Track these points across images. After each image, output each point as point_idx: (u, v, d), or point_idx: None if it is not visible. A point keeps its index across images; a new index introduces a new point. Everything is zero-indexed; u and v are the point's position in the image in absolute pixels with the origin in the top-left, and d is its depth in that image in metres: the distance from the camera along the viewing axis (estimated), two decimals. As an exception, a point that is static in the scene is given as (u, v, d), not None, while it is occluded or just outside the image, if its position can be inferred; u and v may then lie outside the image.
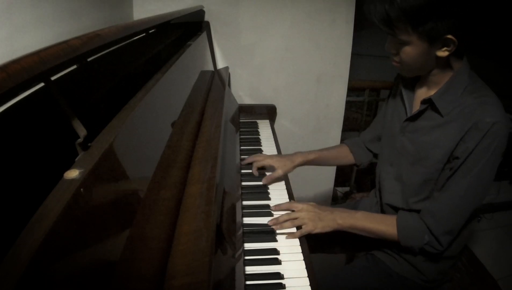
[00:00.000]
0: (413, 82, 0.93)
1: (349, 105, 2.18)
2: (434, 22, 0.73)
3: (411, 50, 0.79)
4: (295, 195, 1.06)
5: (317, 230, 0.90)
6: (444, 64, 0.82)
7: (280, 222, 0.90)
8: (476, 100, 0.79)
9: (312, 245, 1.14)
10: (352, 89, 1.89)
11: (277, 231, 0.89)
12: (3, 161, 0.43)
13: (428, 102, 0.85)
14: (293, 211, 0.93)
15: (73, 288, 0.34)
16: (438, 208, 0.84)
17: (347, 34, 1.66)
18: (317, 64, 1.71)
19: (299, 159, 1.11)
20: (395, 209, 0.98)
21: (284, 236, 0.88)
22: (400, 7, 0.73)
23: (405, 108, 0.93)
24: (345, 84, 1.77)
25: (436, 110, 0.84)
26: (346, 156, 1.19)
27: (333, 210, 0.94)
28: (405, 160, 0.93)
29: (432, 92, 0.86)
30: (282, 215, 0.92)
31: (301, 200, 0.99)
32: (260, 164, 1.11)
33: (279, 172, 1.08)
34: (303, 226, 0.89)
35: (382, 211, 1.04)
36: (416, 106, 0.91)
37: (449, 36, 0.74)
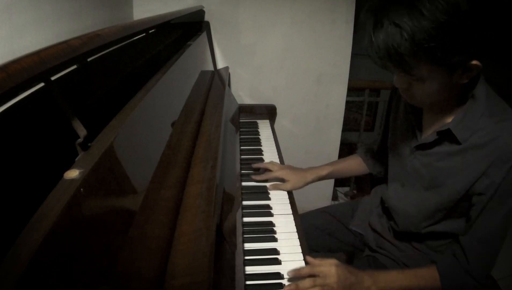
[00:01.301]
0: None
1: (349, 105, 2.18)
2: (459, 52, 0.60)
3: (429, 86, 0.67)
4: (295, 195, 1.06)
5: None
6: (462, 88, 0.72)
7: (302, 289, 0.73)
8: (496, 125, 0.69)
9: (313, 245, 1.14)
10: (352, 89, 1.89)
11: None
12: (3, 161, 0.43)
13: (445, 133, 0.75)
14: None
15: (73, 288, 0.34)
16: (475, 253, 0.77)
17: (347, 34, 1.66)
18: (317, 64, 1.71)
19: (311, 177, 1.08)
20: (405, 233, 0.93)
21: (284, 235, 0.88)
22: (413, 40, 0.58)
23: (414, 130, 0.85)
24: (345, 84, 1.77)
25: (453, 138, 0.74)
26: (360, 167, 1.14)
27: (363, 274, 0.79)
28: (419, 184, 0.85)
29: (446, 118, 0.77)
30: (305, 279, 0.74)
31: (321, 257, 0.80)
32: (272, 175, 1.08)
33: (287, 186, 1.06)
34: None
35: (390, 228, 0.99)
36: (427, 131, 0.83)
37: (474, 62, 0.63)
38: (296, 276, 0.76)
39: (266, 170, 1.12)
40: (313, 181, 1.09)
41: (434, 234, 0.88)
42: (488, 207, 0.73)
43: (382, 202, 1.04)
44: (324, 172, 1.09)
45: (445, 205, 0.81)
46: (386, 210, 1.01)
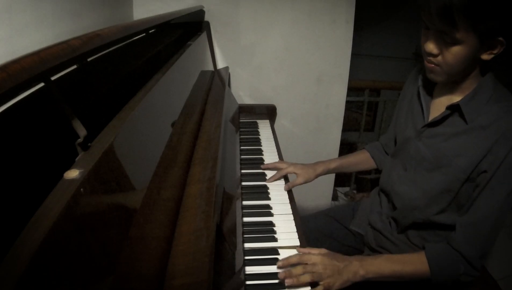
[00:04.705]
0: (431, 85, 0.89)
1: (349, 105, 2.18)
2: (497, 20, 0.66)
3: (461, 51, 0.71)
4: (295, 195, 1.06)
5: (336, 287, 0.77)
6: (478, 69, 0.78)
7: (294, 275, 0.74)
8: (502, 109, 0.75)
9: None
10: (352, 89, 1.89)
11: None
12: (3, 161, 0.43)
13: (454, 108, 0.80)
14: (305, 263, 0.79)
15: (73, 288, 0.34)
16: (471, 232, 0.78)
17: (347, 34, 1.66)
18: (317, 64, 1.71)
19: (321, 168, 1.11)
20: (406, 227, 0.93)
21: (284, 235, 0.88)
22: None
23: (423, 112, 0.89)
24: (345, 84, 1.77)
25: (462, 116, 0.79)
26: (367, 162, 1.17)
27: (351, 259, 0.81)
28: (421, 166, 0.88)
29: (455, 98, 0.82)
30: (296, 267, 0.76)
31: (312, 248, 0.83)
32: (284, 172, 1.11)
33: (299, 180, 1.09)
34: (320, 283, 0.76)
35: (391, 221, 0.99)
36: (435, 111, 0.86)
37: (501, 39, 0.69)
38: (285, 265, 0.77)
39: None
40: (322, 173, 1.12)
41: (438, 226, 0.87)
42: (490, 185, 0.75)
43: (382, 195, 1.04)
44: (332, 165, 1.13)
45: (451, 186, 0.82)
46: (386, 203, 1.01)
